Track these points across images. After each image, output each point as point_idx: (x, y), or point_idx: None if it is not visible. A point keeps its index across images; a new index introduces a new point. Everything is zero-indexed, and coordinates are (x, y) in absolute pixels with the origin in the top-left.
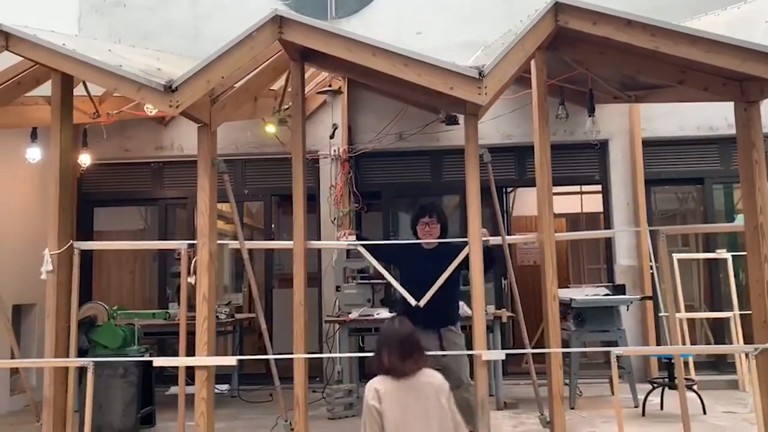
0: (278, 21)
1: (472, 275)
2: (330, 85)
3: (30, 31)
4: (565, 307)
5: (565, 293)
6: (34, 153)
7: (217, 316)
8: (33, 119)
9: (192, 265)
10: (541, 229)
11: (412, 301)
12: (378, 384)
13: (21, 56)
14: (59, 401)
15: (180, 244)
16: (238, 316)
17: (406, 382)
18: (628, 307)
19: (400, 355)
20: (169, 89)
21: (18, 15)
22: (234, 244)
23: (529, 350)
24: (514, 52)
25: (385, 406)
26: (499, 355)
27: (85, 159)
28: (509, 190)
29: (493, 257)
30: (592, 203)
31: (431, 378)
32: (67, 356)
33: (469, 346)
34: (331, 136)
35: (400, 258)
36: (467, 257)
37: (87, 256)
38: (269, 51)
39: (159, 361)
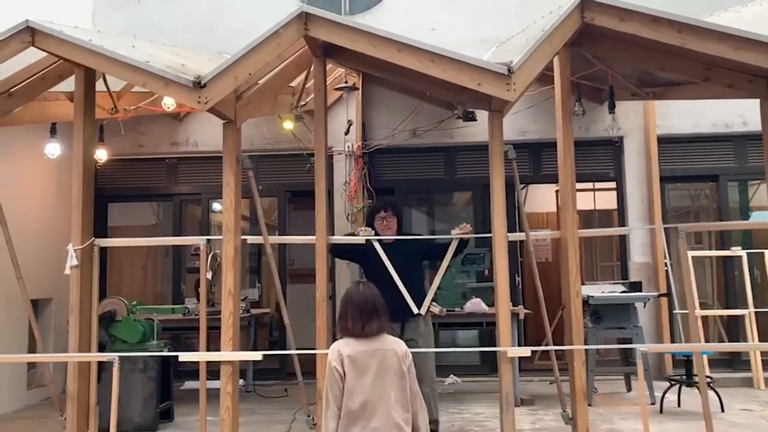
0: (304, 18)
1: (496, 273)
2: (346, 81)
3: (56, 27)
4: (582, 304)
5: (582, 290)
6: (53, 148)
7: None
8: (53, 114)
9: (208, 260)
10: (565, 226)
11: (415, 309)
12: (342, 346)
13: (47, 52)
14: (83, 395)
15: (199, 240)
16: (253, 311)
17: (369, 346)
18: (645, 304)
19: (362, 317)
20: (198, 85)
21: (30, 11)
22: (257, 239)
23: (552, 347)
24: (542, 48)
25: (347, 369)
26: (525, 351)
27: (101, 155)
28: (521, 186)
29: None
30: (605, 200)
31: (394, 344)
32: (90, 351)
33: (492, 342)
34: (346, 132)
35: (361, 255)
36: (427, 248)
37: (101, 251)
38: (292, 48)
39: (185, 356)
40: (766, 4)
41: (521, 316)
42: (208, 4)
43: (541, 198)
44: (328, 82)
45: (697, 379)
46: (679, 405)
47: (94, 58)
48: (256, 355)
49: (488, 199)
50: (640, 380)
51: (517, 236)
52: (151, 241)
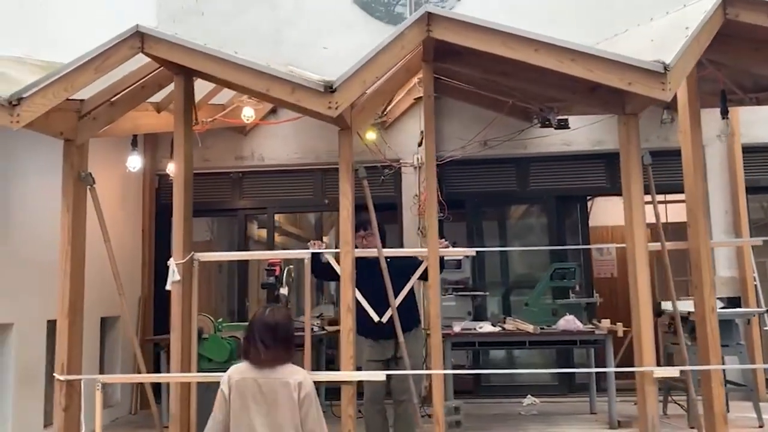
0: (426, 18)
1: (637, 287)
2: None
3: (167, 32)
4: (681, 320)
5: (680, 306)
6: (134, 161)
7: (312, 328)
8: (141, 125)
9: (285, 276)
10: (696, 237)
11: (375, 317)
12: (234, 371)
13: (155, 58)
14: (184, 416)
15: (304, 254)
16: (329, 328)
17: (260, 374)
18: (749, 320)
19: (264, 343)
20: (329, 89)
21: (95, 29)
22: (371, 252)
23: (696, 367)
24: (692, 47)
25: (233, 396)
26: (673, 371)
27: (171, 168)
28: (588, 198)
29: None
30: (678, 212)
31: (290, 374)
32: (189, 370)
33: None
34: (420, 144)
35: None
36: (413, 265)
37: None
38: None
39: None
40: None
41: (620, 334)
42: (274, 17)
43: (607, 211)
44: (403, 93)
45: None
46: None
47: (211, 63)
48: (380, 375)
49: (562, 212)
50: None
51: (656, 246)
52: (249, 254)
